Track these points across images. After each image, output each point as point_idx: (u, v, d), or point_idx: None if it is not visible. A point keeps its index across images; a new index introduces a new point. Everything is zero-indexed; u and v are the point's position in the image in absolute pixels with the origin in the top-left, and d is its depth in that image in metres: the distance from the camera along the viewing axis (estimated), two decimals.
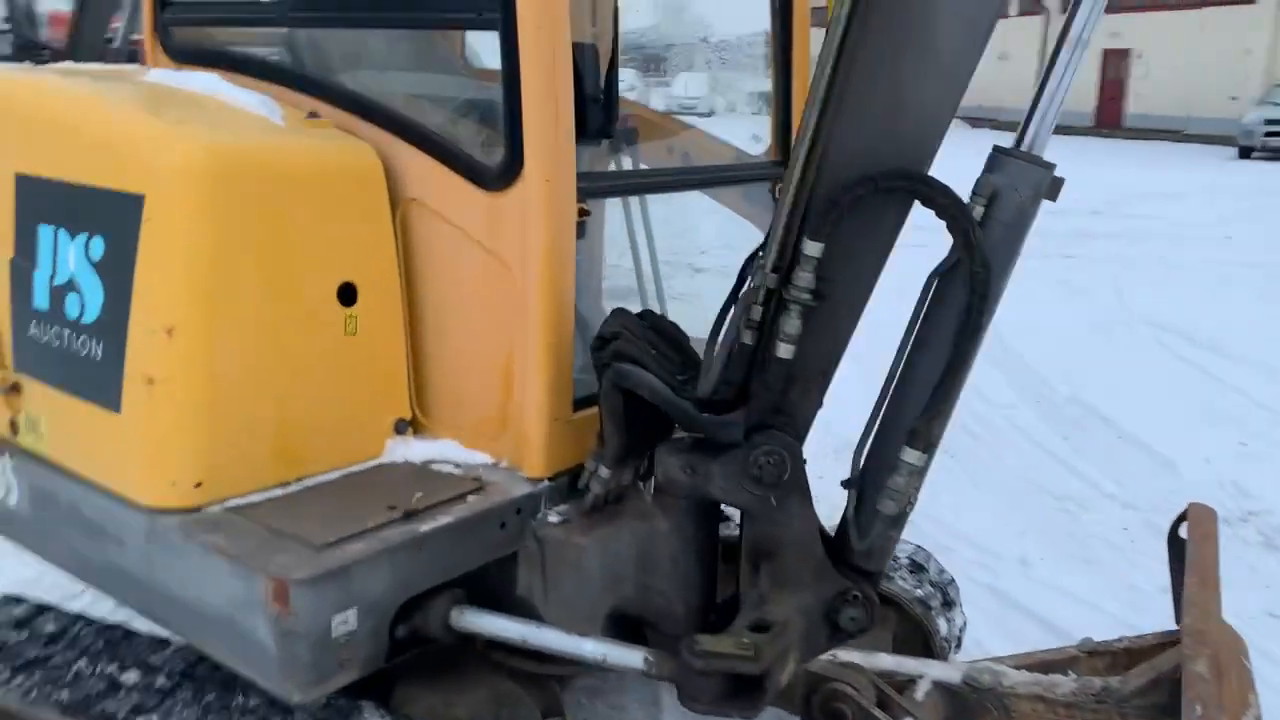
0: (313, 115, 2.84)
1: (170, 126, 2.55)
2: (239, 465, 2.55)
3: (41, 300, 2.72)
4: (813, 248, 2.26)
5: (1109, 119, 34.59)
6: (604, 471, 2.64)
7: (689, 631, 2.60)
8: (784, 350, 2.32)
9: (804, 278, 2.27)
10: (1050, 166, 2.32)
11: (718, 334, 2.68)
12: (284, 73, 3.03)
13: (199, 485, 2.49)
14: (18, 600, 2.95)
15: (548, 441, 2.72)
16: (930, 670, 2.94)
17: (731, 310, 2.47)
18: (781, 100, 3.41)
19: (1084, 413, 7.06)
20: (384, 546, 2.38)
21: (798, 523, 2.42)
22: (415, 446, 2.88)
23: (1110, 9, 2.36)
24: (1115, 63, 34.56)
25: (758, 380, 2.37)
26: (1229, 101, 30.34)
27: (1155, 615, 3.64)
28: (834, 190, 2.27)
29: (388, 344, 2.82)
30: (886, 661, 2.89)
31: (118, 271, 2.52)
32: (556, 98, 2.56)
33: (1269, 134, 26.15)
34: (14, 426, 2.86)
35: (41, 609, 2.89)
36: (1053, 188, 2.33)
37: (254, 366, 2.55)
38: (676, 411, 2.44)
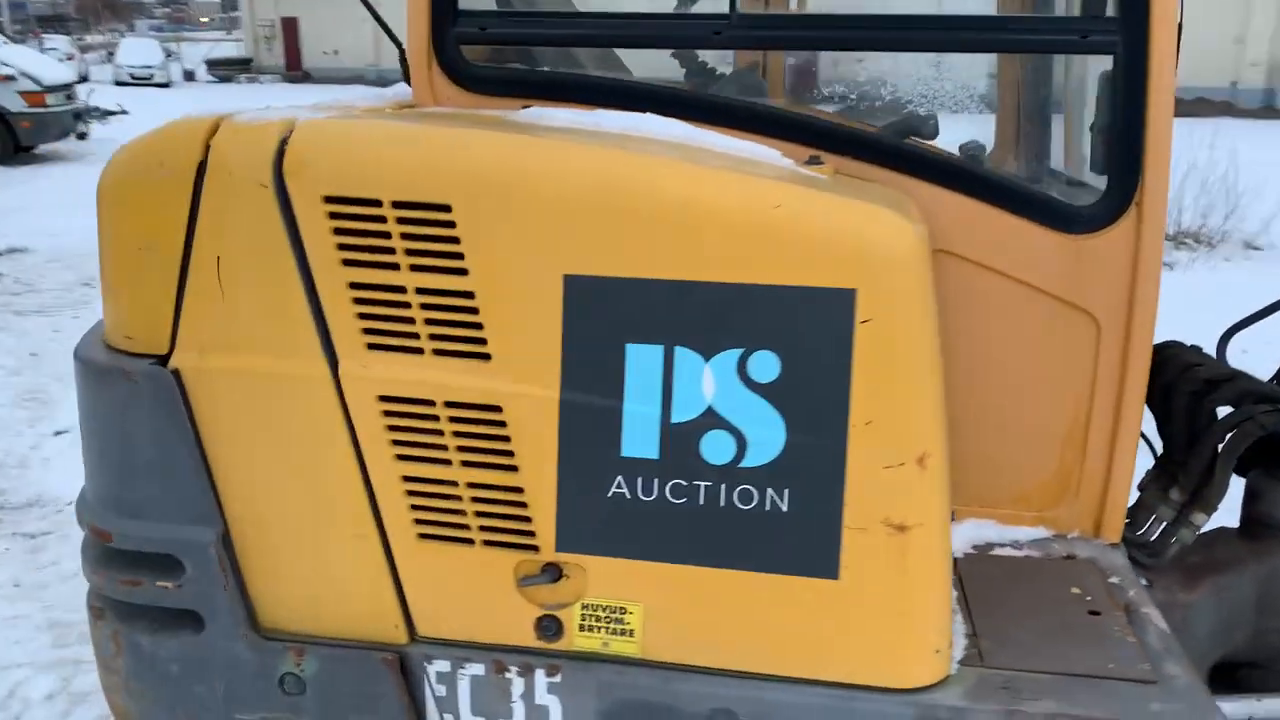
0: (814, 160, 2.29)
1: (863, 202, 1.95)
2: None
3: (642, 447, 1.94)
4: None
5: None
6: (1199, 518, 2.50)
7: None
8: None
9: None
10: None
11: None
12: (727, 111, 2.38)
13: (945, 647, 1.98)
14: None
15: (1126, 502, 2.51)
16: None
17: None
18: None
19: None
20: (1186, 655, 2.08)
21: None
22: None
23: None
24: None
25: None
26: None
27: None
28: None
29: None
30: None
31: (809, 392, 1.89)
32: (1170, 123, 2.32)
33: None
34: (550, 628, 2.02)
35: None
36: None
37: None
38: None
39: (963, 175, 2.37)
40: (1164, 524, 2.55)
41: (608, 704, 2.02)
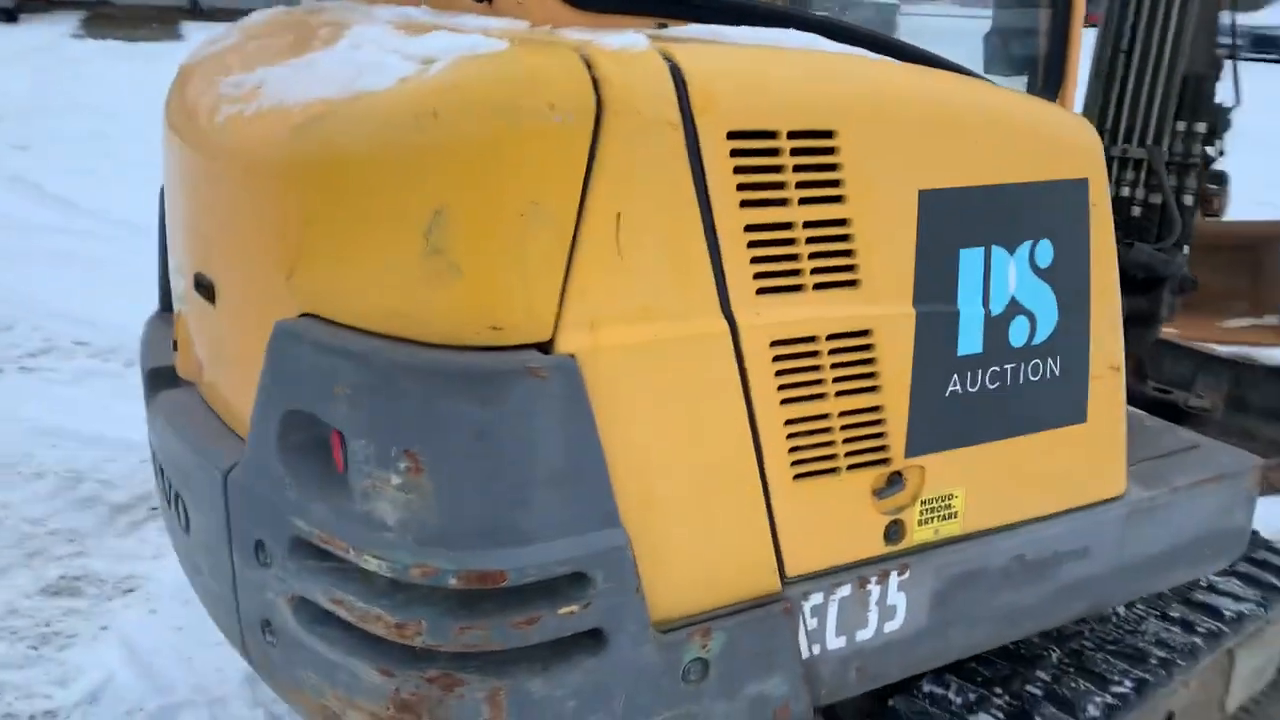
0: None
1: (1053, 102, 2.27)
2: None
3: (971, 344, 2.10)
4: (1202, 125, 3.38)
5: None
6: None
7: None
8: (1191, 200, 3.42)
9: (1198, 148, 3.39)
10: None
11: None
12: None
13: None
14: None
15: None
16: None
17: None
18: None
19: None
20: None
21: None
22: None
23: None
24: None
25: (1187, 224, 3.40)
26: None
27: None
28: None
29: None
30: None
31: (1069, 270, 2.23)
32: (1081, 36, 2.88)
33: None
34: (895, 532, 2.12)
35: None
36: None
37: None
38: (1163, 267, 3.30)
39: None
40: None
41: (940, 584, 2.20)
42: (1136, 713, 2.58)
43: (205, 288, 2.10)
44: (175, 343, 2.35)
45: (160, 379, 2.40)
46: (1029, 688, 2.62)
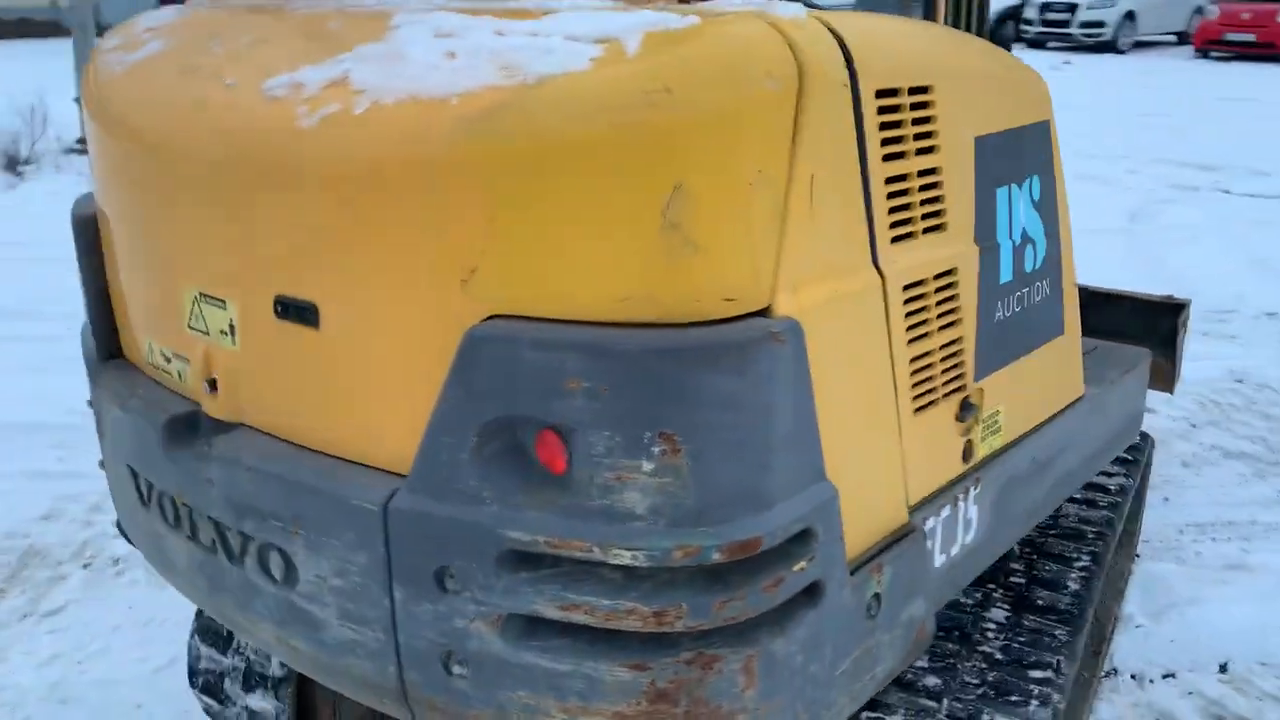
0: None
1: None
2: None
3: (1007, 272, 2.33)
4: None
5: None
6: None
7: None
8: None
9: None
10: None
11: None
12: None
13: None
14: None
15: None
16: None
17: None
18: None
19: None
20: None
21: None
22: None
23: None
24: None
25: None
26: None
27: None
28: None
29: None
30: None
31: (1047, 201, 2.53)
32: None
33: None
34: (968, 452, 2.31)
35: None
36: None
37: None
38: None
39: None
40: None
41: (995, 492, 2.43)
42: (1099, 581, 2.98)
43: (301, 311, 1.89)
44: (213, 383, 2.08)
45: (187, 426, 2.12)
46: (1013, 578, 2.95)
